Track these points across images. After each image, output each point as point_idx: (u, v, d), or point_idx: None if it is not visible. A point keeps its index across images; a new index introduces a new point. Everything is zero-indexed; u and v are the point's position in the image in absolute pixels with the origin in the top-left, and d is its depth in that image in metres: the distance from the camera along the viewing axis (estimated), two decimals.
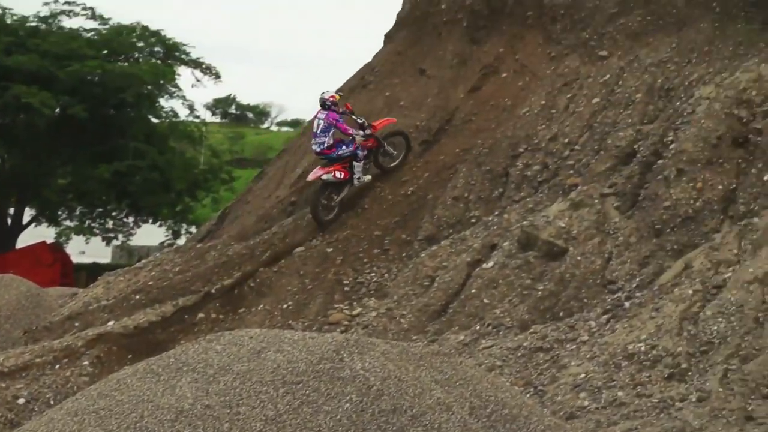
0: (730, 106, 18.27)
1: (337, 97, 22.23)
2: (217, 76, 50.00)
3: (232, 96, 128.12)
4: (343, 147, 21.69)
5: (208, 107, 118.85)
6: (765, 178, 16.97)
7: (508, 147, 21.42)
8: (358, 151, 21.78)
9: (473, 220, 20.46)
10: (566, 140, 20.63)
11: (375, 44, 36.09)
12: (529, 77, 23.24)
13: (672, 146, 18.24)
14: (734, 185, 17.26)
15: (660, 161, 18.24)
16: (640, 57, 21.31)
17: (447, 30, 25.25)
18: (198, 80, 50.04)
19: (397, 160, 22.78)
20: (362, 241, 21.33)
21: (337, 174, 21.54)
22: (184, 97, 49.40)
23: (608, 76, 21.45)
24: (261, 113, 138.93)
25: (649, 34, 21.76)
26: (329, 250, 21.26)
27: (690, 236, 16.93)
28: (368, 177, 22.33)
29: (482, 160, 21.51)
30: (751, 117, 18.00)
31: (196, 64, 49.64)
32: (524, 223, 18.72)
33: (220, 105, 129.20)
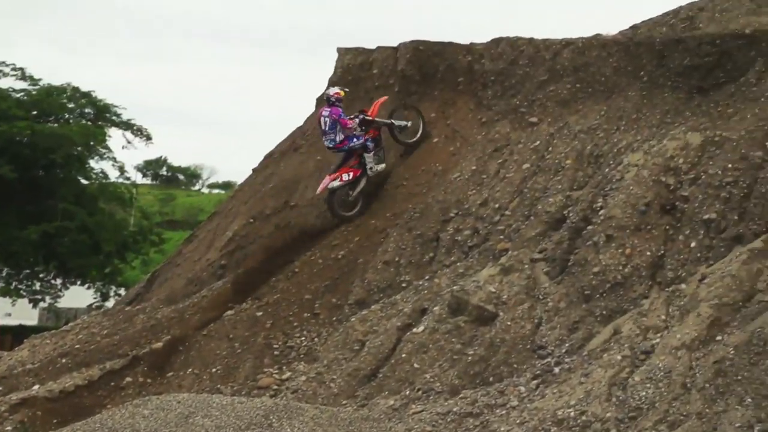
0: (657, 173, 18.51)
1: (342, 93, 22.54)
2: (149, 137, 49.83)
3: (163, 158, 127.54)
4: (354, 139, 22.06)
5: (138, 169, 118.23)
6: (692, 244, 17.17)
7: (439, 212, 21.50)
8: (368, 143, 22.17)
9: (404, 285, 20.47)
10: (497, 205, 20.75)
11: (307, 108, 36.23)
12: (460, 142, 23.39)
13: (601, 212, 18.42)
14: (662, 251, 17.44)
15: (589, 227, 18.40)
16: (569, 124, 21.54)
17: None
18: (129, 142, 49.79)
19: (419, 133, 23.09)
20: (292, 305, 21.24)
21: (344, 177, 21.97)
22: (114, 159, 49.16)
23: (538, 142, 21.65)
24: (192, 175, 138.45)
25: (579, 102, 22.03)
26: (259, 313, 21.14)
27: (619, 302, 17.04)
28: (382, 165, 22.66)
29: (413, 224, 21.56)
30: (678, 184, 18.24)
31: (127, 125, 49.43)
32: (454, 287, 18.74)
33: (151, 167, 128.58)
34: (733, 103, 19.41)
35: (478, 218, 20.74)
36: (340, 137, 22.02)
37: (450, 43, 25.08)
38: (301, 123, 27.02)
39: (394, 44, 25.78)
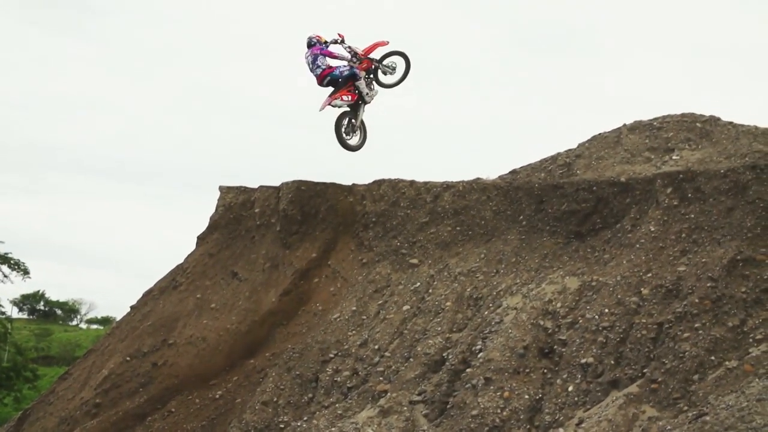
0: (536, 316, 18.71)
1: (322, 37, 22.44)
2: (26, 272, 48.90)
3: (41, 292, 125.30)
4: (341, 67, 21.89)
5: (15, 303, 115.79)
6: (569, 388, 17.28)
7: (319, 352, 21.36)
8: (355, 70, 21.94)
9: (282, 426, 20.20)
10: (376, 346, 20.70)
11: (188, 245, 35.97)
12: (340, 283, 23.39)
13: (480, 355, 18.49)
14: (540, 395, 17.52)
15: (468, 369, 18.44)
16: (449, 266, 21.70)
17: (260, 234, 25.35)
18: (5, 276, 48.80)
19: (399, 77, 22.85)
20: None
21: (344, 98, 21.67)
22: None
23: (418, 283, 21.75)
24: (71, 310, 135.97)
25: (459, 244, 22.25)
26: None
27: None
28: (376, 91, 22.36)
29: (292, 364, 21.37)
30: (557, 328, 18.45)
31: (3, 259, 48.50)
32: (333, 429, 18.57)
33: (28, 301, 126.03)
34: (609, 248, 19.80)
35: (358, 359, 20.65)
36: (324, 64, 22.02)
37: (332, 184, 25.23)
38: (181, 260, 26.72)
39: (276, 183, 25.79)
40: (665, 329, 17.20)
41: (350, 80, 21.46)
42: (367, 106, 21.98)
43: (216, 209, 27.17)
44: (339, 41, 21.26)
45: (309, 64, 21.74)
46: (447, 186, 23.37)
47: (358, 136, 21.58)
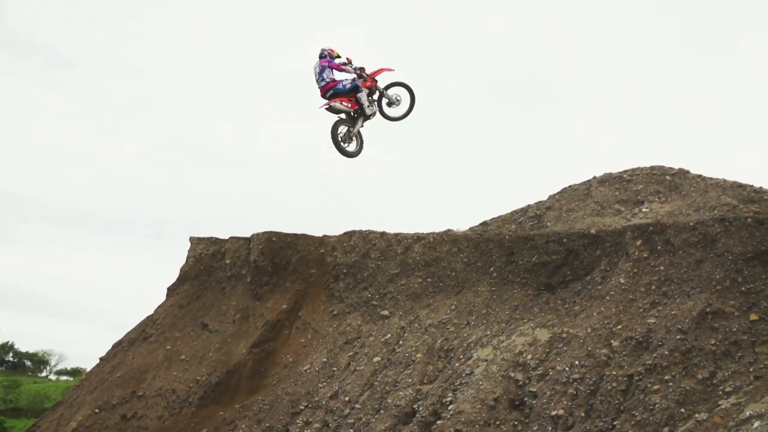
0: (506, 368, 18.69)
1: (335, 51, 22.39)
2: None
3: (9, 343, 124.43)
4: (344, 81, 21.80)
5: None
6: None
7: (289, 404, 21.27)
8: (357, 83, 21.86)
9: None
10: (347, 398, 20.63)
11: (158, 296, 35.82)
12: (311, 334, 23.34)
13: (451, 407, 18.44)
14: None
15: (439, 422, 18.38)
16: (420, 317, 21.71)
17: (231, 285, 25.29)
18: None
19: (404, 110, 22.67)
20: None
21: (344, 103, 21.58)
22: None
23: (389, 335, 21.72)
24: (40, 361, 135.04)
25: (430, 296, 22.27)
26: None
27: None
28: (375, 109, 22.19)
29: (262, 416, 21.26)
30: (527, 380, 18.43)
31: None
32: None
33: None
34: (580, 300, 19.85)
35: (328, 411, 20.57)
36: (329, 77, 21.94)
37: (303, 235, 25.26)
38: (151, 311, 26.62)
39: (247, 234, 25.81)
40: (635, 381, 17.21)
41: (352, 92, 21.51)
42: (367, 121, 21.90)
43: (186, 260, 27.12)
44: (347, 64, 21.36)
45: (316, 75, 21.85)
46: (418, 237, 23.42)
47: (355, 144, 21.59)
